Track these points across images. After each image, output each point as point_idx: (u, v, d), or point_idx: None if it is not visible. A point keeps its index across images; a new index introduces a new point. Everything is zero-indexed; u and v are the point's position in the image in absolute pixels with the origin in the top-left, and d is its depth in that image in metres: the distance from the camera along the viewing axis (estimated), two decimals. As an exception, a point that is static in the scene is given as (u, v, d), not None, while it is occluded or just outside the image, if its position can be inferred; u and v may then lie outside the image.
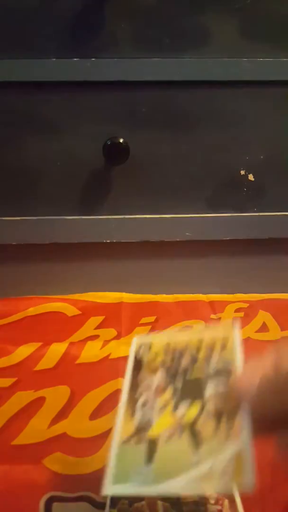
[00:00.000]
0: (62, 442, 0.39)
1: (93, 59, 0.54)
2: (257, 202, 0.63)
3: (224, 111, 0.58)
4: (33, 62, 0.54)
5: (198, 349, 0.29)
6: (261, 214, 0.63)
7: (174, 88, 0.57)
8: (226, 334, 0.29)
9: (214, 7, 0.54)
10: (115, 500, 0.33)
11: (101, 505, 0.33)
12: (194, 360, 0.29)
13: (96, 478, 0.36)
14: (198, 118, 0.58)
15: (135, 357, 0.31)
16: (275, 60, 0.56)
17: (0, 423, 0.41)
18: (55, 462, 0.37)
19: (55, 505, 0.34)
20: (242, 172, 0.61)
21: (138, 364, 0.30)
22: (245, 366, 0.27)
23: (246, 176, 0.61)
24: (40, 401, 0.44)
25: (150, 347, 0.31)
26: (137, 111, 0.57)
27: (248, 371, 0.25)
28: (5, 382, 0.47)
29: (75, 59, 0.54)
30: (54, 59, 0.54)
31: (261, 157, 0.61)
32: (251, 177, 0.61)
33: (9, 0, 0.52)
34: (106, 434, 0.40)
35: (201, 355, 0.29)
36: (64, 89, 0.56)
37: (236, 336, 0.29)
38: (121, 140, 0.57)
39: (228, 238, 0.63)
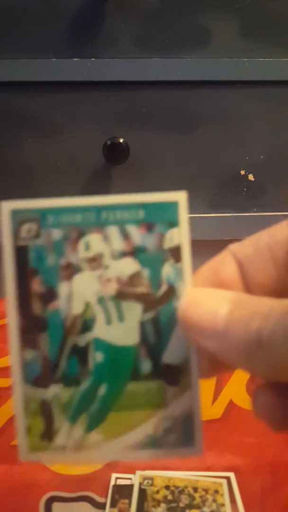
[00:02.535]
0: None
1: (93, 59, 0.54)
2: (257, 202, 0.63)
3: (224, 111, 0.58)
4: (33, 62, 0.54)
5: (195, 490, 0.32)
6: (261, 214, 0.63)
7: (174, 88, 0.57)
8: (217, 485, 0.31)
9: (214, 7, 0.54)
10: (115, 500, 0.33)
11: (101, 505, 0.33)
12: (192, 498, 0.31)
13: (96, 478, 0.36)
14: (198, 118, 0.58)
15: (140, 488, 0.33)
16: (275, 60, 0.56)
17: (0, 423, 0.41)
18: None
19: (55, 505, 0.34)
20: (242, 172, 0.61)
21: (142, 495, 0.32)
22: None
23: (246, 176, 0.61)
24: (40, 401, 0.44)
25: (152, 481, 0.34)
26: (137, 111, 0.57)
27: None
28: (5, 382, 0.47)
29: (75, 59, 0.54)
30: (54, 59, 0.54)
31: (261, 157, 0.61)
32: (251, 177, 0.61)
33: (9, 0, 0.52)
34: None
35: (198, 495, 0.31)
36: (64, 89, 0.56)
37: (226, 492, 0.31)
38: (121, 140, 0.57)
39: (228, 238, 0.63)
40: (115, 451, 0.18)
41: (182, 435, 0.18)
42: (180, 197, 0.19)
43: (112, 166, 0.59)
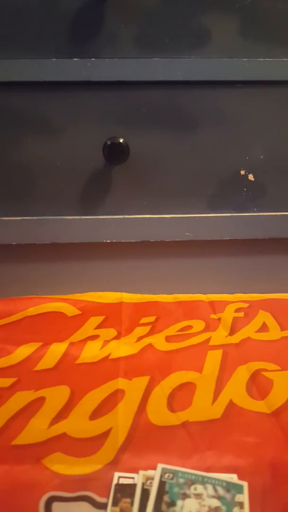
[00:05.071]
0: (62, 442, 0.39)
1: (93, 59, 0.54)
2: (257, 202, 0.63)
3: (224, 111, 0.58)
4: (33, 62, 0.54)
5: None
6: (261, 214, 0.63)
7: (174, 88, 0.57)
8: None
9: (214, 7, 0.54)
10: (117, 498, 0.33)
11: (101, 505, 0.33)
12: None
13: (96, 478, 0.36)
14: (198, 118, 0.58)
15: (142, 487, 0.35)
16: (275, 60, 0.56)
17: (0, 423, 0.41)
18: (55, 462, 0.37)
19: (55, 505, 0.34)
20: (242, 172, 0.61)
21: (145, 494, 0.34)
22: None
23: (246, 176, 0.61)
24: (40, 401, 0.44)
25: None
26: (137, 111, 0.57)
27: None
28: (5, 382, 0.47)
29: (75, 59, 0.54)
30: (54, 59, 0.54)
31: (261, 157, 0.61)
32: (251, 177, 0.61)
33: (9, 0, 0.52)
34: (106, 434, 0.40)
35: None
36: (64, 89, 0.56)
37: None
38: (121, 140, 0.57)
39: (228, 238, 0.63)
40: None
41: None
42: (244, 483, 0.35)
43: (112, 166, 0.59)
